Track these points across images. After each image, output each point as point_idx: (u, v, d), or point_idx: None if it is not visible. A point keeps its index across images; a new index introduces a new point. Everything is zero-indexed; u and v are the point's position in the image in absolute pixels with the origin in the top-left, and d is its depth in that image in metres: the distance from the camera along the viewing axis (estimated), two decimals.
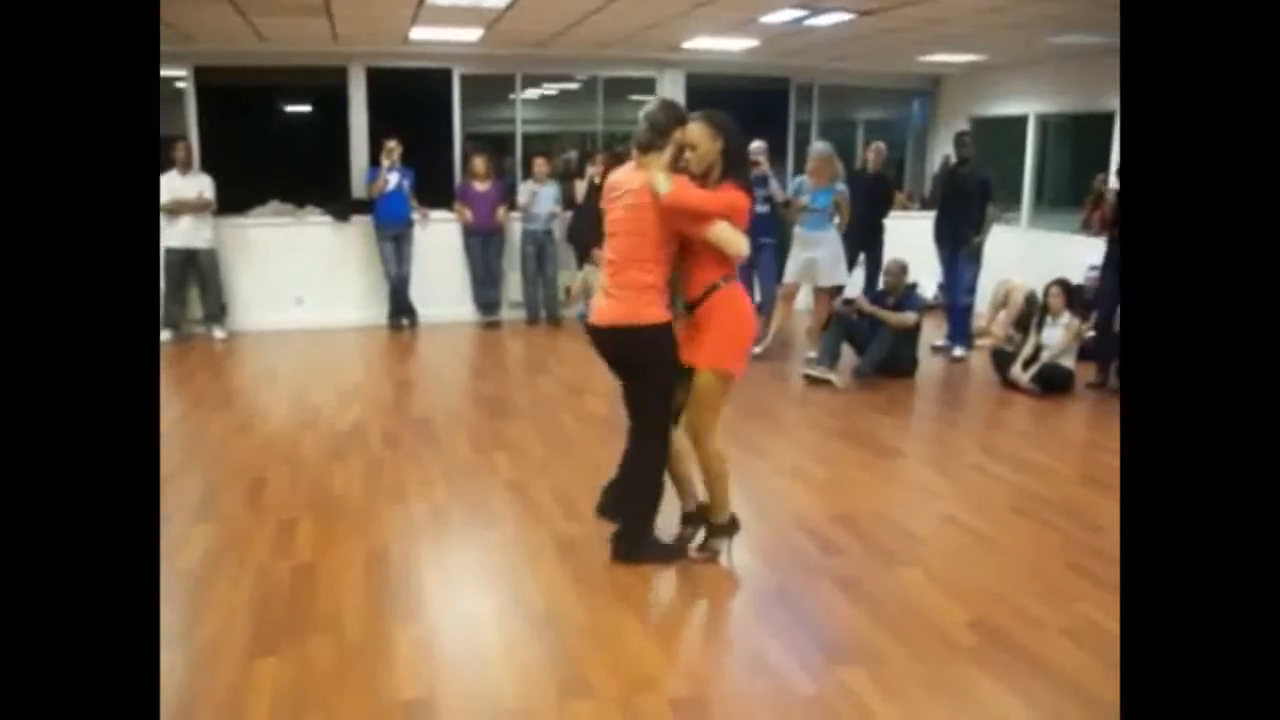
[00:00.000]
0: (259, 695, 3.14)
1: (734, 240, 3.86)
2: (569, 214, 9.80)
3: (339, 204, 9.88)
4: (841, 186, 7.93)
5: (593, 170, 9.46)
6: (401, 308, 9.77)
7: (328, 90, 10.12)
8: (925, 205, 10.81)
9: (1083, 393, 7.28)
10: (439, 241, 9.89)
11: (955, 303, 8.57)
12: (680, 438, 4.11)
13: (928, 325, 8.22)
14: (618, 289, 3.95)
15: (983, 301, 8.92)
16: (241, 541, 4.39)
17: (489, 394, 7.35)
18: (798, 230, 8.03)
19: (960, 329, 8.56)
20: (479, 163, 9.70)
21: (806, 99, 11.51)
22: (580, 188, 9.60)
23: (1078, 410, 6.96)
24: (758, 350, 8.34)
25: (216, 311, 9.27)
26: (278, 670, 3.29)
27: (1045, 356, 7.28)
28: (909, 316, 7.60)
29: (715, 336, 3.96)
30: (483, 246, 9.85)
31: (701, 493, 4.22)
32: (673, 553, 4.19)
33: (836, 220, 7.96)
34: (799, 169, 9.35)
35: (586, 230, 8.76)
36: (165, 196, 8.79)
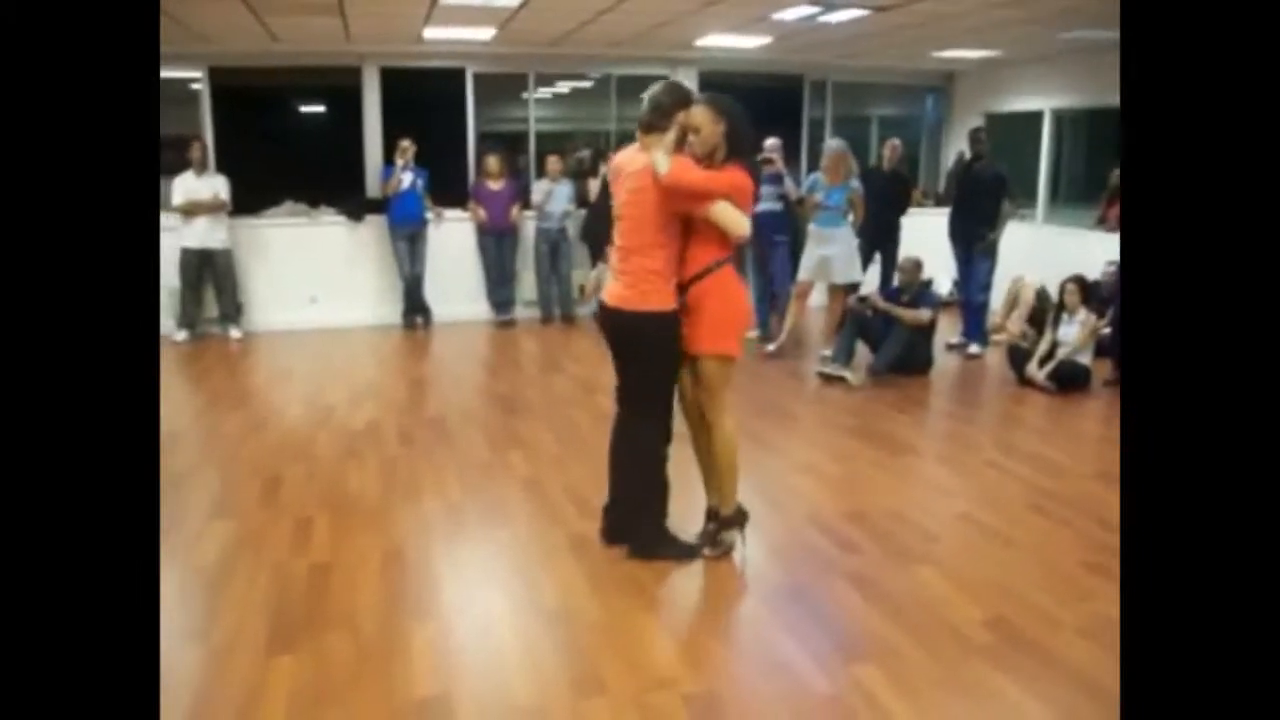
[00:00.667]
0: (275, 692, 3.15)
1: (735, 220, 3.86)
2: (583, 212, 9.78)
3: (353, 204, 9.90)
4: (856, 183, 7.91)
5: (606, 169, 9.45)
6: (416, 307, 9.79)
7: (341, 90, 10.14)
8: (940, 202, 10.78)
9: (1099, 390, 7.24)
10: (453, 240, 9.90)
11: (970, 300, 8.54)
12: (729, 435, 4.14)
13: (943, 322, 8.19)
14: (625, 274, 3.97)
15: (998, 299, 8.89)
16: (257, 540, 4.41)
17: (503, 392, 7.36)
18: (812, 228, 8.01)
19: (975, 326, 8.53)
20: (492, 162, 9.72)
21: (820, 96, 11.48)
22: (594, 186, 9.59)
23: (1094, 407, 6.92)
24: (771, 348, 8.34)
25: (232, 311, 9.31)
26: (294, 668, 3.30)
27: (1061, 353, 7.25)
28: (924, 313, 7.58)
29: (711, 322, 3.98)
30: (496, 245, 9.86)
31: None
32: (689, 551, 4.19)
33: (851, 217, 7.94)
34: (813, 166, 9.32)
35: (600, 228, 8.74)
36: (181, 197, 8.84)
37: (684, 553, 4.18)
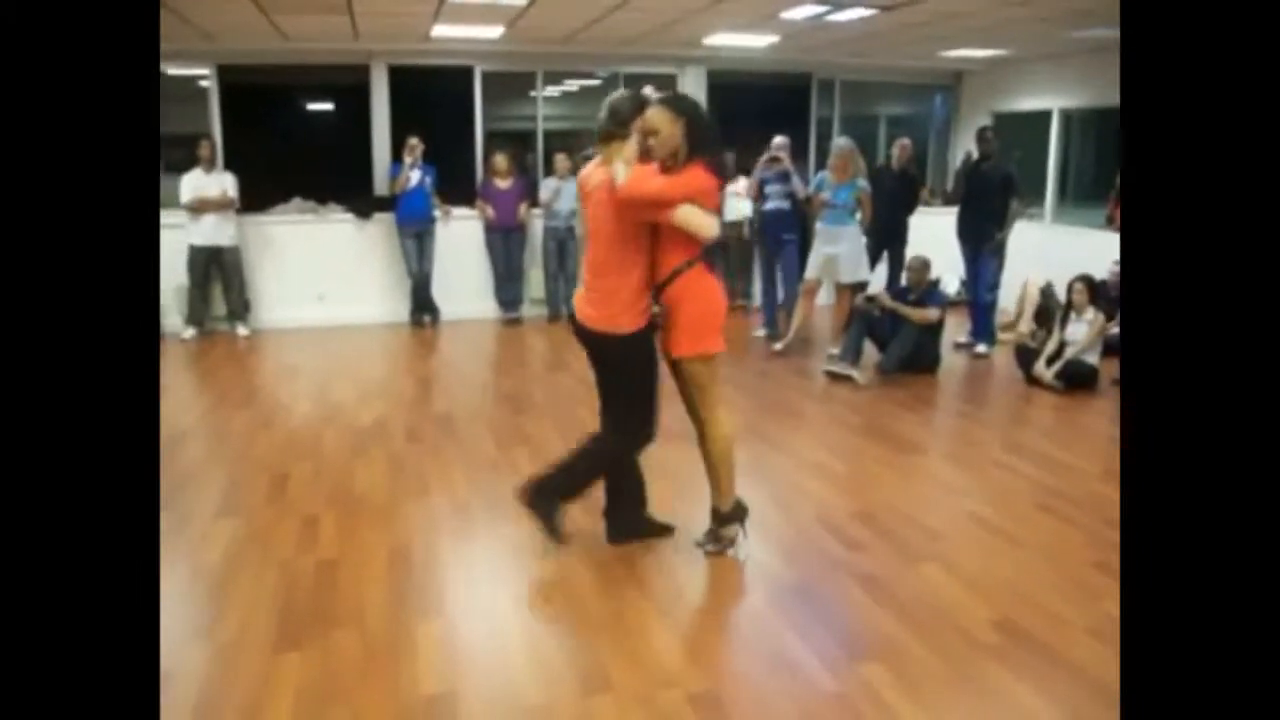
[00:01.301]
0: (282, 690, 3.15)
1: (701, 223, 3.79)
2: None
3: (361, 201, 9.92)
4: (863, 182, 7.90)
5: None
6: (423, 304, 9.80)
7: (350, 88, 10.15)
8: (948, 201, 10.76)
9: (1107, 389, 7.22)
10: (461, 238, 9.91)
11: (978, 299, 8.53)
12: (723, 431, 4.13)
13: (950, 322, 8.18)
14: (594, 292, 3.96)
15: (1006, 298, 8.87)
16: (264, 537, 4.42)
17: (510, 390, 7.36)
18: (819, 226, 8.02)
19: (983, 325, 8.52)
20: (500, 160, 9.72)
21: (828, 94, 11.47)
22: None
23: (1102, 407, 6.90)
24: (778, 346, 8.34)
25: (240, 308, 9.33)
26: (301, 665, 3.31)
27: (1069, 353, 7.24)
28: (932, 312, 7.57)
29: (688, 324, 3.94)
30: (504, 243, 9.87)
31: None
32: (556, 531, 4.15)
33: (858, 216, 7.93)
34: (821, 165, 9.32)
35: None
36: (189, 194, 8.86)
37: (550, 523, 4.14)
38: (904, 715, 3.04)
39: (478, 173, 10.25)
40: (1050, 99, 10.30)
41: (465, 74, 10.17)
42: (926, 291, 7.74)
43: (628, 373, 4.02)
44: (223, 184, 8.99)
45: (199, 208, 8.87)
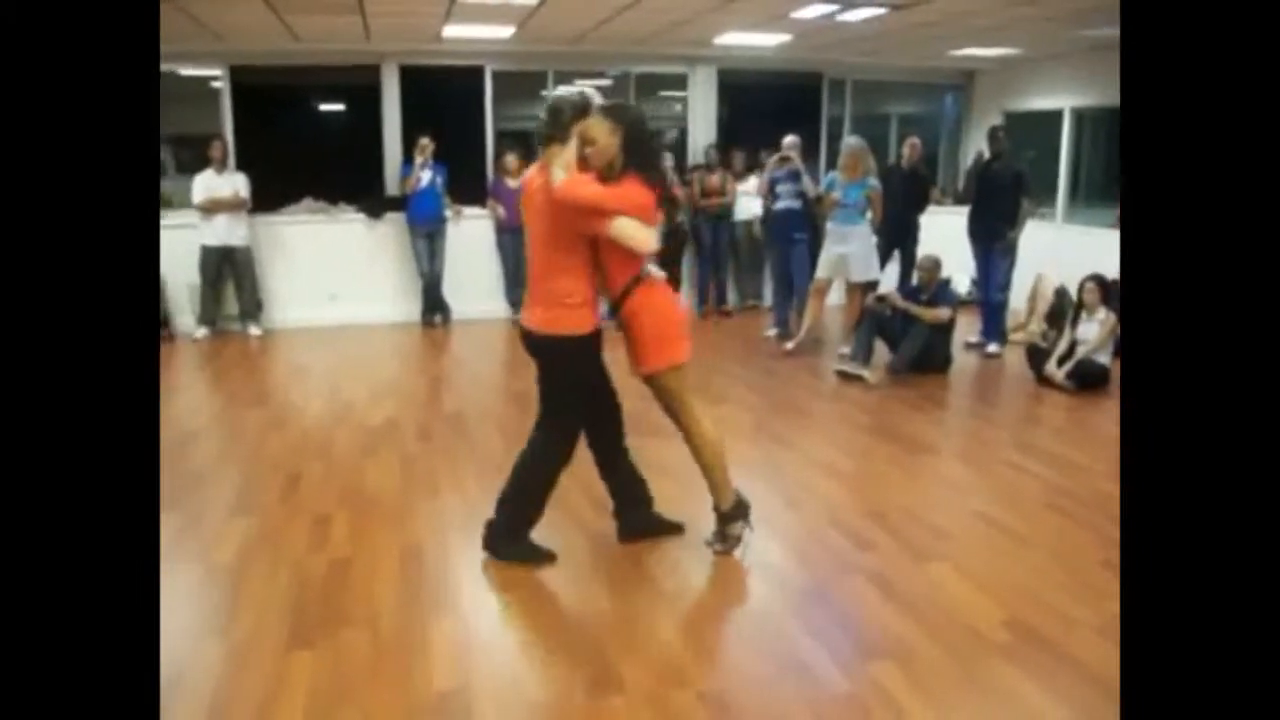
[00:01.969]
0: (295, 687, 3.17)
1: (636, 235, 3.76)
2: None
3: (372, 201, 9.94)
4: (874, 181, 7.90)
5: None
6: (434, 304, 9.82)
7: (361, 88, 10.18)
8: (959, 200, 10.75)
9: (1118, 389, 7.20)
10: (472, 238, 9.93)
11: (989, 299, 8.51)
12: (706, 434, 4.11)
13: (961, 321, 8.17)
14: (537, 296, 3.94)
15: (1017, 297, 8.85)
16: (277, 536, 4.44)
17: (521, 390, 7.35)
18: (829, 225, 8.01)
19: (994, 325, 8.50)
20: (511, 159, 9.72)
21: (839, 94, 11.46)
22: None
23: (1113, 406, 6.88)
24: (789, 346, 8.34)
25: (252, 308, 9.36)
26: (313, 663, 3.32)
27: (1081, 352, 7.22)
28: (943, 312, 7.56)
29: (648, 339, 3.95)
30: (515, 243, 9.83)
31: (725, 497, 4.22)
32: (541, 555, 4.14)
33: (869, 215, 7.93)
34: (832, 164, 9.31)
35: None
36: (201, 195, 8.90)
37: (537, 556, 4.13)
38: (914, 714, 3.04)
39: (489, 172, 10.27)
40: (1062, 98, 10.28)
41: (476, 74, 10.19)
42: (937, 291, 7.73)
43: (571, 376, 4.00)
44: (235, 184, 9.02)
45: (211, 208, 8.91)
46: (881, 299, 7.82)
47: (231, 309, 9.43)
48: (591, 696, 3.15)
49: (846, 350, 7.78)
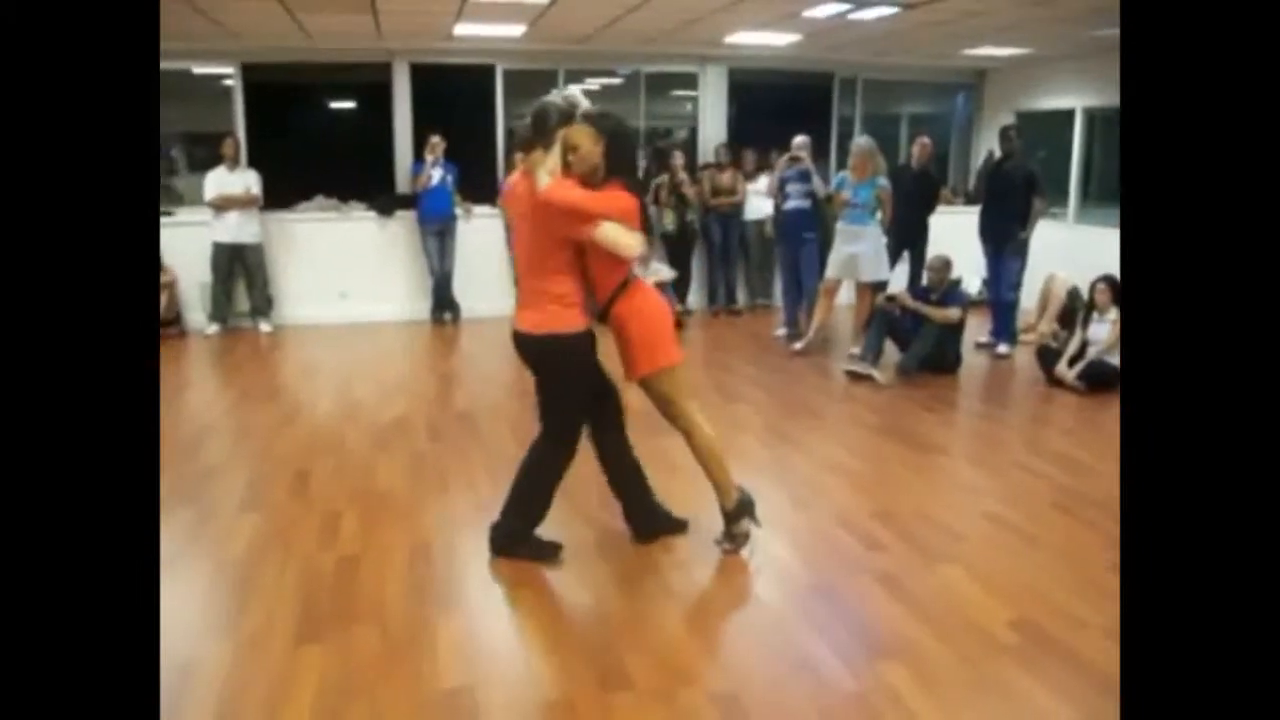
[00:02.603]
0: (304, 683, 3.18)
1: (621, 240, 3.78)
2: None
3: (383, 199, 9.96)
4: (883, 181, 7.88)
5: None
6: (444, 302, 9.83)
7: (372, 87, 10.20)
8: (970, 200, 10.73)
9: None
10: (482, 236, 9.92)
11: (1000, 299, 8.50)
12: (704, 434, 4.12)
13: (972, 321, 8.15)
14: (530, 297, 3.95)
15: (1028, 298, 8.83)
16: (287, 532, 4.45)
17: (530, 388, 7.33)
18: (839, 225, 8.00)
19: (1005, 325, 8.48)
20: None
21: (850, 93, 11.45)
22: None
23: None
24: (799, 346, 8.33)
25: (263, 305, 9.39)
26: (322, 659, 3.33)
27: (1091, 353, 7.20)
28: (953, 312, 7.55)
29: (639, 343, 3.98)
30: None
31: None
32: (548, 551, 4.15)
33: (879, 215, 7.92)
34: (843, 164, 9.30)
35: None
36: (213, 192, 8.93)
37: (544, 554, 4.14)
38: (923, 714, 3.04)
39: (499, 171, 10.28)
40: (1073, 98, 10.26)
41: (487, 72, 10.21)
42: (947, 291, 7.71)
43: (567, 374, 4.00)
44: (246, 181, 9.05)
45: (223, 205, 8.94)
46: (891, 299, 7.81)
47: (242, 306, 9.45)
48: (599, 693, 3.15)
49: (856, 350, 7.77)
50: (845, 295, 8.74)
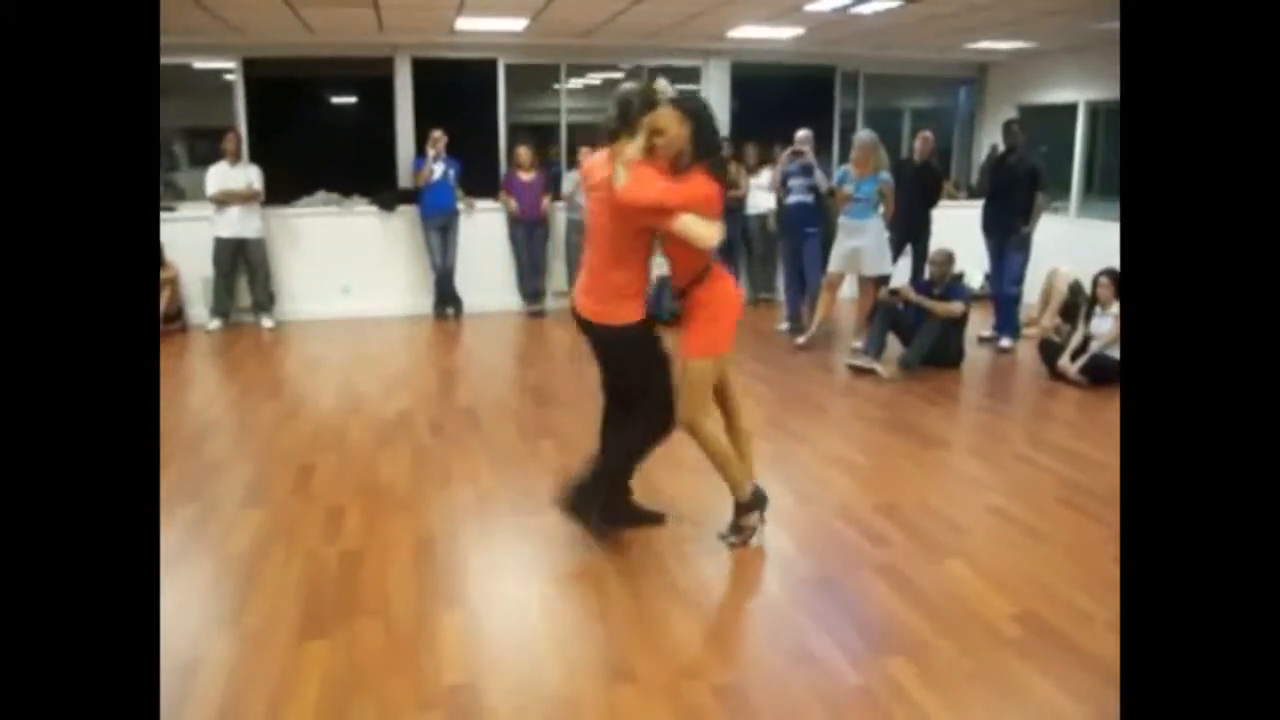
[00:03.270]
0: (308, 677, 3.18)
1: (700, 233, 3.77)
2: None
3: (385, 194, 9.95)
4: (886, 175, 7.87)
5: None
6: (447, 297, 9.83)
7: (374, 81, 10.19)
8: (972, 194, 10.72)
9: None
10: (484, 231, 9.94)
11: (1002, 293, 8.48)
12: (708, 430, 4.11)
13: (975, 316, 8.15)
14: (591, 284, 3.96)
15: (1031, 292, 8.83)
16: (290, 527, 4.45)
17: (534, 382, 7.38)
18: (842, 219, 7.99)
19: (1007, 319, 8.48)
20: (524, 152, 9.73)
21: (852, 87, 11.44)
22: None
23: None
24: (801, 340, 8.33)
25: (265, 300, 9.39)
26: (326, 653, 3.34)
27: (1094, 347, 7.19)
28: (956, 306, 7.54)
29: (704, 326, 3.97)
30: (527, 236, 9.89)
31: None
32: (600, 523, 4.17)
33: (881, 209, 7.91)
34: (845, 158, 9.30)
35: None
36: (215, 187, 8.92)
37: (597, 524, 4.17)
38: (926, 708, 3.04)
39: (501, 165, 10.27)
40: (1076, 92, 10.24)
41: (489, 67, 10.19)
42: (950, 285, 7.71)
43: (634, 361, 4.03)
44: (248, 176, 9.05)
45: (224, 200, 8.93)
46: (894, 293, 7.81)
47: (244, 301, 9.46)
48: (603, 687, 3.15)
49: (859, 344, 7.77)
50: (848, 289, 8.74)
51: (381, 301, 9.88)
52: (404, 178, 10.00)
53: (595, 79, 11.97)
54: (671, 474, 4.46)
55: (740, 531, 4.22)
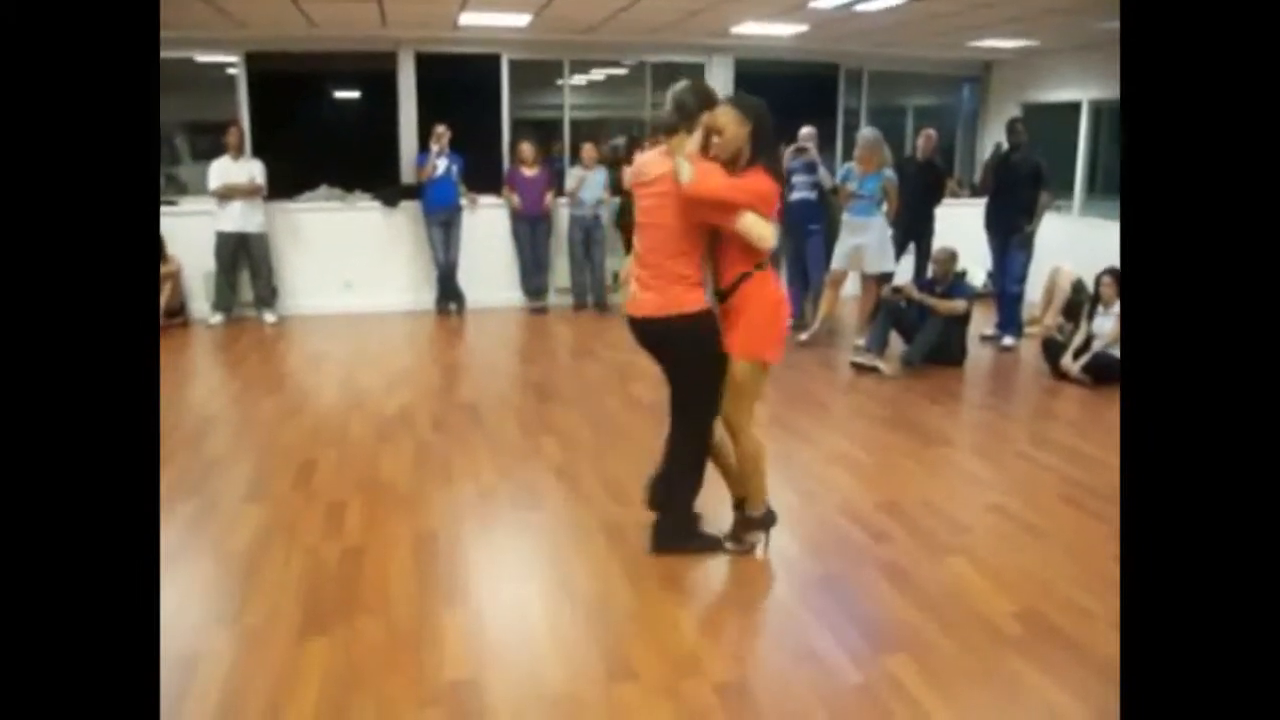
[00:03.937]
0: (308, 675, 3.18)
1: (761, 232, 3.76)
2: (616, 200, 9.78)
3: (388, 189, 9.95)
4: (889, 173, 7.87)
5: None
6: (449, 293, 9.83)
7: (377, 76, 10.18)
8: (975, 193, 10.71)
9: None
10: (487, 227, 9.93)
11: (1005, 291, 8.47)
12: (718, 429, 4.09)
13: (977, 314, 8.14)
14: (653, 280, 3.89)
15: (1034, 290, 8.82)
16: (291, 523, 4.45)
17: (536, 379, 7.37)
18: (845, 217, 7.99)
19: (1010, 318, 8.47)
20: (527, 148, 9.72)
21: (856, 85, 11.42)
22: (628, 173, 9.57)
23: None
24: (804, 337, 8.32)
25: (267, 295, 9.38)
26: (326, 650, 3.33)
27: (1097, 346, 7.18)
28: (958, 304, 7.53)
29: (749, 326, 3.90)
30: (530, 232, 9.88)
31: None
32: (713, 543, 4.17)
33: (885, 207, 7.90)
34: (848, 156, 9.29)
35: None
36: (217, 181, 8.92)
37: (708, 545, 4.16)
38: (928, 706, 3.03)
39: (504, 161, 10.27)
40: (1079, 90, 10.22)
41: (492, 62, 10.18)
42: (953, 283, 7.71)
43: (698, 354, 3.92)
44: (250, 171, 9.04)
45: (227, 194, 8.93)
46: (897, 290, 7.80)
47: (247, 296, 9.45)
48: (605, 685, 3.15)
49: (862, 342, 7.76)
50: (851, 287, 8.73)
51: (384, 297, 9.87)
52: (407, 173, 9.99)
53: (599, 75, 11.97)
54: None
55: (741, 542, 4.20)
